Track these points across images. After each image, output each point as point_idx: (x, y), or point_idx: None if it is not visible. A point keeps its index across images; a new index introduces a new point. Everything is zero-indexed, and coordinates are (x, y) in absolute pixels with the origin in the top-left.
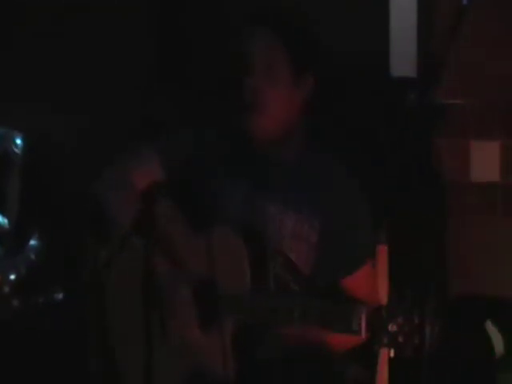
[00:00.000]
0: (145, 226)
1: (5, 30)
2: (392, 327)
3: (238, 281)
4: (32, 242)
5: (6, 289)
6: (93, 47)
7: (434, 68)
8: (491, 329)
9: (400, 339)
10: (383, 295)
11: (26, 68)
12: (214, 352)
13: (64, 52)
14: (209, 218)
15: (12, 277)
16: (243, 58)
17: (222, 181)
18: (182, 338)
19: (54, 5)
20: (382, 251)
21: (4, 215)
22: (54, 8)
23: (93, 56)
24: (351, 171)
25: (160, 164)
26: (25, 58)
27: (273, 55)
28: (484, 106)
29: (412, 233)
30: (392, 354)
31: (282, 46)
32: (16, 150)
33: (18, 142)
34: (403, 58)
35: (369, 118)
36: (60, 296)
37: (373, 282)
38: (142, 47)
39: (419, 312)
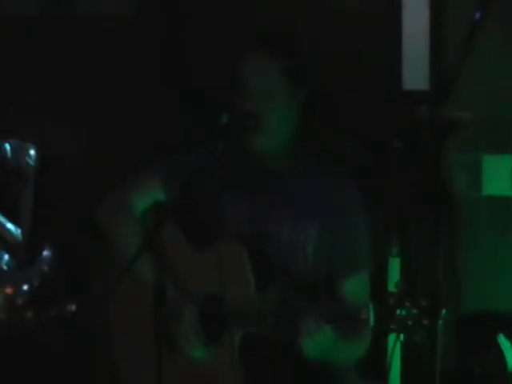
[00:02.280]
0: (149, 246)
1: (18, 44)
2: (400, 312)
3: (243, 293)
4: (45, 254)
5: (19, 300)
6: (105, 63)
7: (446, 81)
8: (504, 343)
9: (409, 322)
10: None
11: (39, 82)
12: (223, 366)
13: (76, 67)
14: (212, 233)
15: (25, 288)
16: (241, 83)
17: (222, 195)
18: (189, 354)
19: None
20: (394, 264)
21: (17, 227)
22: (63, 23)
23: (104, 71)
24: (351, 183)
25: (162, 184)
26: (37, 72)
27: (264, 71)
28: (496, 119)
29: (424, 247)
30: (402, 338)
31: (274, 60)
32: (30, 162)
33: (32, 153)
34: (415, 72)
35: (380, 130)
36: (73, 308)
37: (368, 292)
38: (147, 66)
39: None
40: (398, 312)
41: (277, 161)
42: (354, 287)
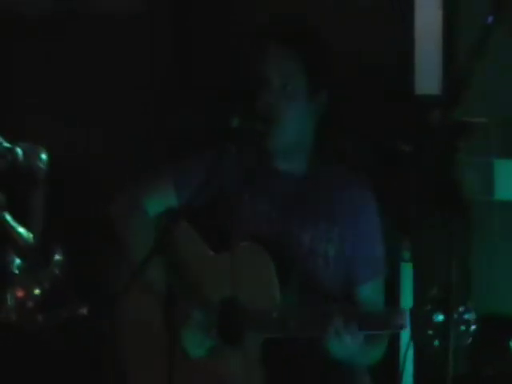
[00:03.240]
0: (162, 250)
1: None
2: (437, 318)
3: (267, 296)
4: (56, 257)
5: (30, 304)
6: (115, 62)
7: (458, 86)
8: None
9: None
10: None
11: (50, 84)
12: (245, 368)
13: (86, 67)
14: (229, 234)
15: (36, 292)
16: (259, 72)
17: (239, 197)
18: (205, 358)
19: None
20: (406, 269)
21: (29, 230)
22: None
23: (116, 72)
24: (370, 188)
25: (174, 187)
26: (47, 74)
27: (288, 70)
28: (507, 124)
29: (436, 251)
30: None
31: (298, 61)
32: (41, 165)
33: (43, 157)
34: (428, 76)
35: (392, 135)
36: (84, 311)
37: (382, 297)
38: (160, 63)
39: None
40: (434, 318)
41: (294, 163)
42: (370, 292)
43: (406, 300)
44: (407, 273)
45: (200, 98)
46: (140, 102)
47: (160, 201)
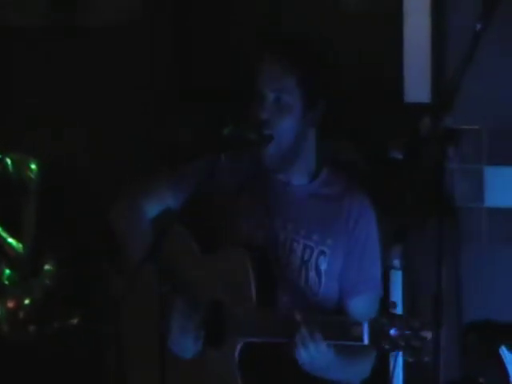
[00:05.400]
0: (157, 252)
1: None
2: (394, 332)
3: (244, 301)
4: (47, 267)
5: (21, 314)
6: (108, 71)
7: (447, 93)
8: (506, 355)
9: (401, 343)
10: None
11: (41, 93)
12: (224, 370)
13: (78, 76)
14: (221, 239)
15: (27, 302)
16: (254, 85)
17: (234, 205)
18: (191, 357)
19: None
20: (396, 277)
21: (19, 240)
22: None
23: (107, 80)
24: (364, 197)
25: (172, 191)
26: (40, 83)
27: (283, 84)
28: (498, 131)
29: (425, 259)
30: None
31: (293, 75)
32: (31, 176)
33: (33, 167)
34: (417, 84)
35: (382, 143)
36: (75, 321)
37: (375, 312)
38: (159, 74)
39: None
40: (390, 331)
41: (290, 172)
42: (362, 306)
43: (397, 308)
44: (396, 281)
45: (198, 104)
46: (138, 108)
47: (158, 203)
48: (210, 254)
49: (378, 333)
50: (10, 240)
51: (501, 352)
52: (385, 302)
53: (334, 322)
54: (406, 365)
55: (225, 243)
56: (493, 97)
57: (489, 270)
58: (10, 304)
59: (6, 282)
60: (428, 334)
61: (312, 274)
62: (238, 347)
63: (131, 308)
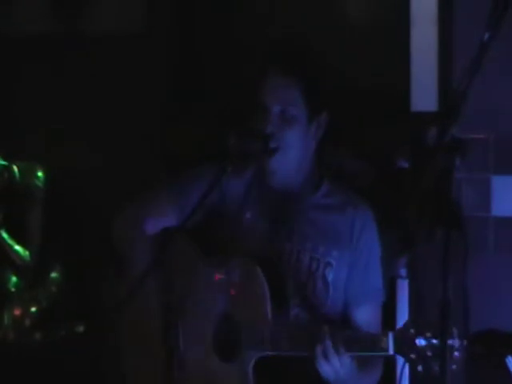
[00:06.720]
0: (159, 267)
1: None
2: (420, 342)
3: (258, 314)
4: (53, 275)
5: (27, 321)
6: (112, 80)
7: (454, 103)
8: None
9: (428, 353)
10: None
11: (47, 102)
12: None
13: (82, 85)
14: (227, 251)
15: (33, 309)
16: (258, 97)
17: (240, 217)
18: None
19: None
20: (402, 286)
21: (26, 248)
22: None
23: (113, 89)
24: (370, 207)
25: (173, 208)
26: (45, 93)
27: (287, 97)
28: (504, 140)
29: (432, 268)
30: (420, 369)
31: (297, 88)
32: (38, 183)
33: (40, 175)
34: (423, 93)
35: (389, 152)
36: (81, 329)
37: (380, 320)
38: (160, 86)
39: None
40: (417, 342)
41: (295, 183)
42: (366, 315)
43: (403, 317)
44: (403, 290)
45: (200, 115)
46: (142, 117)
47: (159, 219)
48: (218, 268)
49: (403, 344)
50: (17, 247)
51: (507, 362)
52: (392, 311)
53: (359, 335)
54: (412, 374)
55: (230, 256)
56: (500, 106)
57: (495, 279)
58: (17, 311)
59: (13, 290)
60: (455, 343)
61: (319, 285)
62: (252, 361)
63: (137, 321)
